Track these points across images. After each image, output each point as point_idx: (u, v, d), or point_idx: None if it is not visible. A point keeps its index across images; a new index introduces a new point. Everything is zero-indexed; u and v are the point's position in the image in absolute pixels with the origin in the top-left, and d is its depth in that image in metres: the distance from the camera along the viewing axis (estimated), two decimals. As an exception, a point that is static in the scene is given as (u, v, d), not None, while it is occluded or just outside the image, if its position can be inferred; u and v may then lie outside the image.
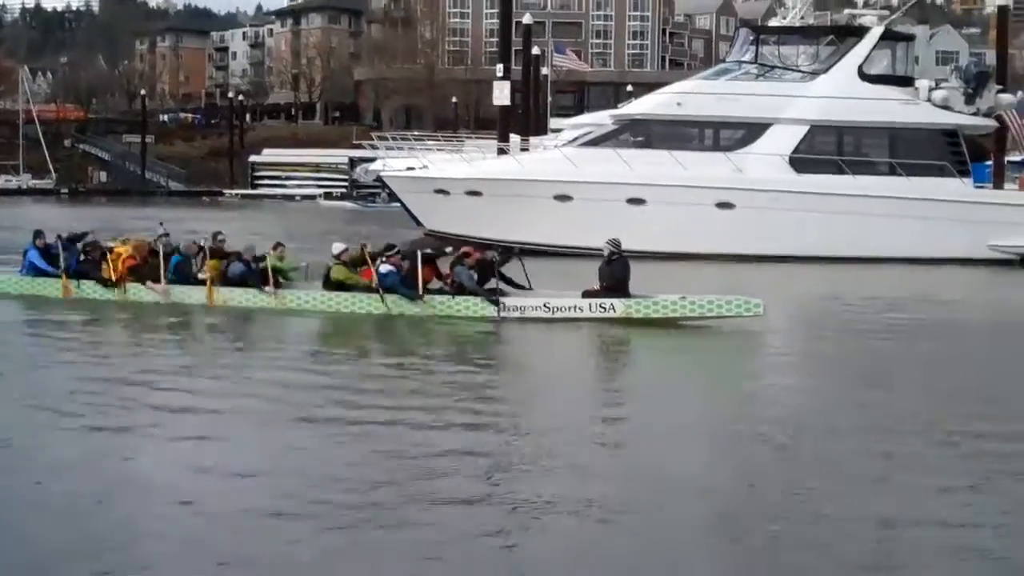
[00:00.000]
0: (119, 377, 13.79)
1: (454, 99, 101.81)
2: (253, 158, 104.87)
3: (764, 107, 36.11)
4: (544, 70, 74.70)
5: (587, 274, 19.82)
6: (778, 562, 7.62)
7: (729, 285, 21.52)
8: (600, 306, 18.65)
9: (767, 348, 17.80)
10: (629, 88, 78.59)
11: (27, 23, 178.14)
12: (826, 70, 37.44)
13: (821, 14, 41.00)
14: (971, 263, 33.39)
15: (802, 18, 39.79)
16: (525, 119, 58.89)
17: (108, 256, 20.85)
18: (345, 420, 11.43)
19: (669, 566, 7.55)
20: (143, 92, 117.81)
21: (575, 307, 18.77)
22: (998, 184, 38.05)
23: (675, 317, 18.47)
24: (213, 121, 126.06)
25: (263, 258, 20.29)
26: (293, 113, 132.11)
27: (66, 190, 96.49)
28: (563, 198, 35.69)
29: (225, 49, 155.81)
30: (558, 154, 37.89)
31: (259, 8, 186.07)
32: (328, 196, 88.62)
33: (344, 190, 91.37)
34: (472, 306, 18.98)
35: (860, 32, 37.86)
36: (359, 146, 52.49)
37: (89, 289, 20.94)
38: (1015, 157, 41.64)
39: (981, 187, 37.15)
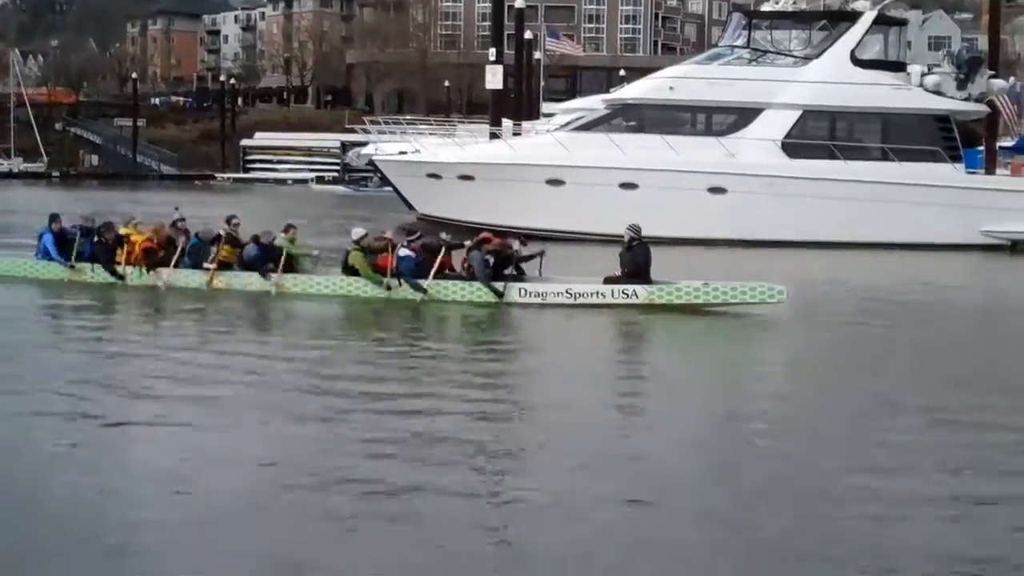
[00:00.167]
0: (123, 361, 13.80)
1: (446, 83, 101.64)
2: (245, 142, 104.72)
3: (756, 92, 36.10)
4: (536, 54, 74.57)
5: (580, 258, 19.71)
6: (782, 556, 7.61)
7: (724, 270, 21.48)
8: (623, 292, 18.53)
9: (771, 335, 17.72)
10: (622, 73, 78.62)
11: (17, 6, 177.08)
12: (818, 55, 37.43)
13: (814, -1, 40.98)
14: (963, 248, 33.47)
15: (795, 3, 39.74)
16: (517, 103, 58.73)
17: (127, 241, 20.67)
18: (347, 409, 11.29)
19: (669, 559, 7.51)
20: (134, 75, 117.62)
21: (597, 293, 18.66)
22: (990, 169, 38.08)
23: (698, 303, 18.36)
24: (205, 105, 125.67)
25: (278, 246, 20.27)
26: (285, 97, 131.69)
27: (57, 173, 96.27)
28: (555, 182, 35.68)
29: (217, 32, 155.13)
30: (550, 138, 37.87)
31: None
32: (320, 180, 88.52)
33: (336, 174, 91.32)
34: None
35: (853, 17, 37.84)
36: (351, 130, 52.63)
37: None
38: (1007, 143, 41.71)
39: (973, 172, 37.20)
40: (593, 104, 42.13)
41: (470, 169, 36.73)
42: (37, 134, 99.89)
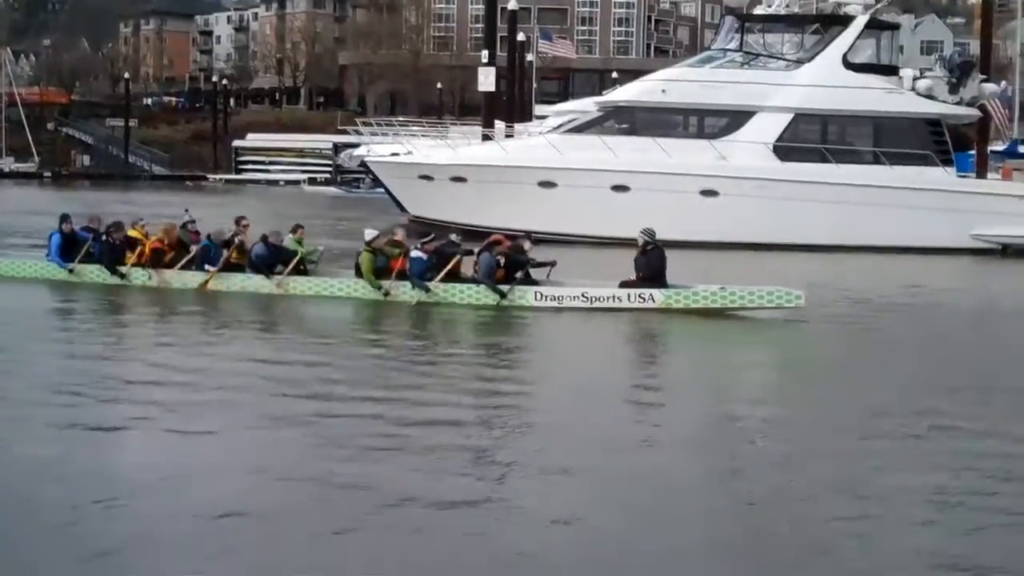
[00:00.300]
0: (117, 364, 13.76)
1: (439, 85, 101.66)
2: (237, 143, 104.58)
3: (749, 95, 36.13)
4: (529, 56, 74.61)
5: (594, 262, 19.54)
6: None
7: (721, 274, 21.41)
8: (639, 296, 18.47)
9: (762, 337, 17.72)
10: (614, 75, 78.66)
11: (10, 5, 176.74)
12: (811, 58, 37.46)
13: (806, 2, 41.00)
14: (954, 252, 33.51)
15: (787, 6, 39.76)
16: (510, 105, 58.84)
17: (144, 242, 20.57)
18: (347, 413, 11.21)
19: (669, 565, 7.49)
20: (127, 75, 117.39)
21: (614, 297, 18.61)
22: (981, 174, 38.13)
23: (715, 308, 18.29)
24: (197, 105, 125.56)
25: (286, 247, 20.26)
26: (277, 98, 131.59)
27: (49, 173, 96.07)
28: (547, 184, 35.68)
29: (209, 33, 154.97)
30: (543, 140, 37.87)
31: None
32: (312, 181, 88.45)
33: (328, 175, 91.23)
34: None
35: (845, 21, 37.89)
36: (343, 131, 52.51)
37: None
38: (998, 147, 41.75)
39: (964, 176, 37.25)
40: (585, 106, 42.15)
41: (462, 171, 36.72)
42: (28, 134, 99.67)
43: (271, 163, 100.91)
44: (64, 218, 21.73)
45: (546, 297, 18.76)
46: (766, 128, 36.03)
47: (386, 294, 19.06)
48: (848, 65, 36.97)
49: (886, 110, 36.27)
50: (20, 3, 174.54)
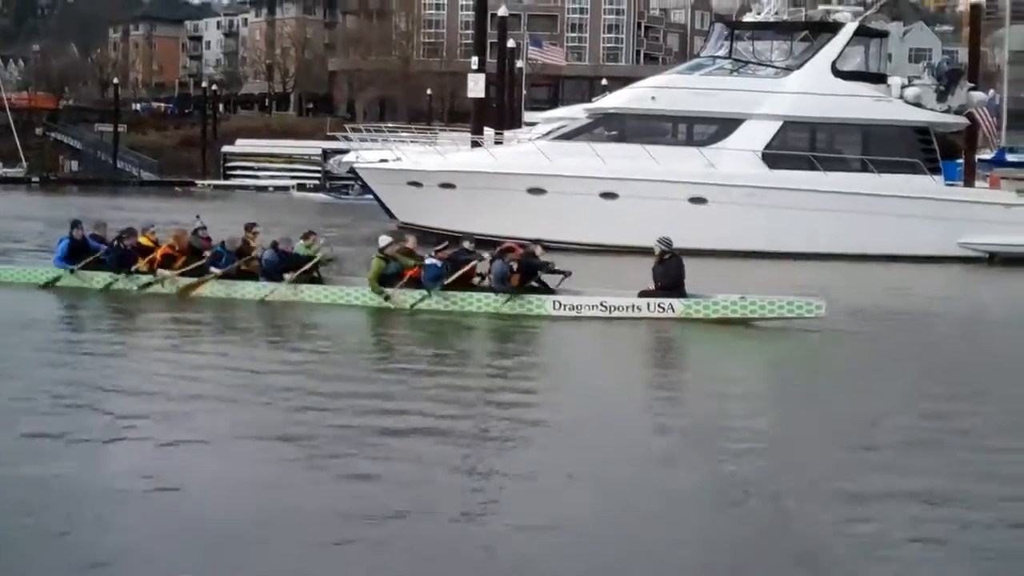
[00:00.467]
0: (113, 372, 13.66)
1: (428, 91, 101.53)
2: (226, 148, 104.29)
3: (737, 102, 36.19)
4: (519, 63, 74.61)
5: (613, 271, 19.32)
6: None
7: (709, 283, 21.39)
8: (659, 306, 18.37)
9: (755, 342, 17.73)
10: (604, 82, 78.76)
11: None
12: (799, 66, 37.53)
13: (795, 10, 41.19)
14: (941, 260, 33.58)
15: (776, 14, 39.90)
16: (499, 112, 58.82)
17: (155, 249, 20.38)
18: (352, 423, 11.09)
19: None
20: (116, 81, 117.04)
21: (633, 306, 18.52)
22: (969, 182, 38.27)
23: (735, 318, 18.16)
24: (186, 111, 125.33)
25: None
26: (267, 104, 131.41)
27: (37, 179, 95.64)
28: (536, 191, 35.70)
29: (199, 38, 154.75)
30: (532, 147, 37.87)
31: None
32: (301, 187, 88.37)
33: (317, 182, 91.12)
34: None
35: (834, 28, 37.96)
36: (333, 137, 52.33)
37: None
38: (986, 155, 41.94)
39: (952, 185, 37.34)
40: (575, 113, 42.14)
41: (451, 177, 36.72)
42: (17, 139, 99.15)
43: (260, 169, 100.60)
44: (75, 224, 21.27)
45: (564, 307, 18.67)
46: (755, 135, 36.08)
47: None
48: (837, 73, 37.05)
49: (874, 118, 36.36)
50: (9, 8, 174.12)
